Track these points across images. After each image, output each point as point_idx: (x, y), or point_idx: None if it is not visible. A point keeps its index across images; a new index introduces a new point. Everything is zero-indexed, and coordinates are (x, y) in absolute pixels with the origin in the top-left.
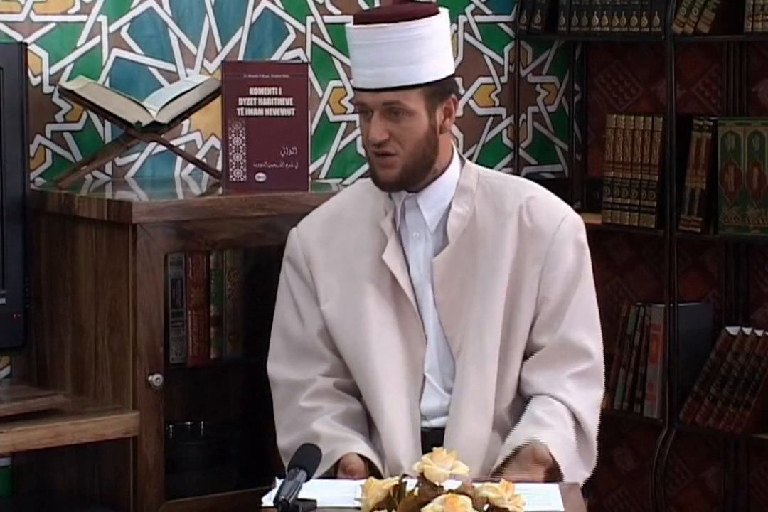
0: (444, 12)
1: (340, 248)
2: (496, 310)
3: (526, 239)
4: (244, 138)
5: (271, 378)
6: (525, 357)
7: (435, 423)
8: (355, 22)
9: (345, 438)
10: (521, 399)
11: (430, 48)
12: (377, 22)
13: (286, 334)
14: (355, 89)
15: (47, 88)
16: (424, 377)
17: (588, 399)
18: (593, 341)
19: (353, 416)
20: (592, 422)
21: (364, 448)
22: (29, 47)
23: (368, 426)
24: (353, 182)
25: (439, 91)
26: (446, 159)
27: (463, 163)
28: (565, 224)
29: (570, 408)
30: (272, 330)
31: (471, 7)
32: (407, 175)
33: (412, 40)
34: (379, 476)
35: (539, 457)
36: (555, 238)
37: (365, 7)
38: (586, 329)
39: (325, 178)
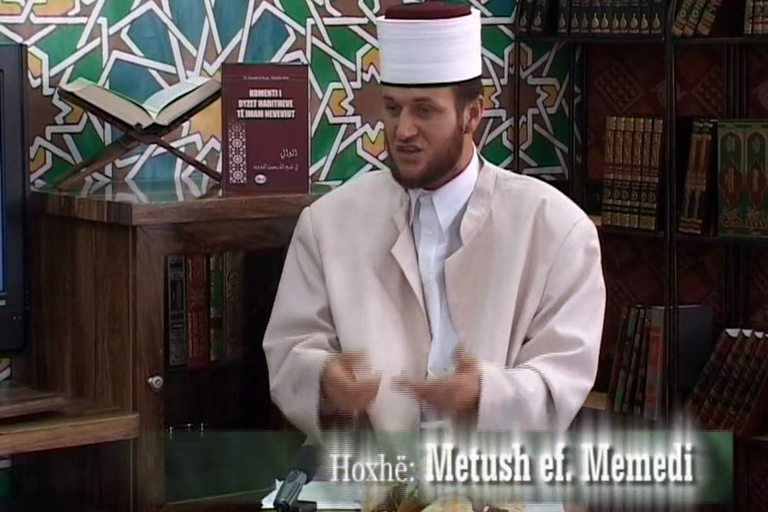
0: (476, 13)
1: (351, 236)
2: (507, 312)
3: (539, 239)
4: (244, 140)
5: (266, 348)
6: None
7: (436, 425)
8: (387, 16)
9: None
10: None
11: (461, 48)
12: (410, 17)
13: (290, 311)
14: (383, 83)
15: (47, 90)
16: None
17: (565, 381)
18: (586, 333)
19: None
20: (561, 396)
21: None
22: (29, 49)
23: None
24: None
25: (467, 91)
26: (467, 159)
27: (481, 164)
28: (576, 230)
29: (542, 376)
30: (274, 307)
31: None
32: (430, 172)
33: (444, 38)
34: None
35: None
36: (565, 243)
37: (365, 8)
38: (579, 325)
39: (325, 180)
